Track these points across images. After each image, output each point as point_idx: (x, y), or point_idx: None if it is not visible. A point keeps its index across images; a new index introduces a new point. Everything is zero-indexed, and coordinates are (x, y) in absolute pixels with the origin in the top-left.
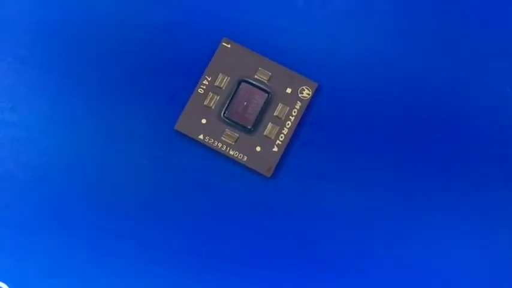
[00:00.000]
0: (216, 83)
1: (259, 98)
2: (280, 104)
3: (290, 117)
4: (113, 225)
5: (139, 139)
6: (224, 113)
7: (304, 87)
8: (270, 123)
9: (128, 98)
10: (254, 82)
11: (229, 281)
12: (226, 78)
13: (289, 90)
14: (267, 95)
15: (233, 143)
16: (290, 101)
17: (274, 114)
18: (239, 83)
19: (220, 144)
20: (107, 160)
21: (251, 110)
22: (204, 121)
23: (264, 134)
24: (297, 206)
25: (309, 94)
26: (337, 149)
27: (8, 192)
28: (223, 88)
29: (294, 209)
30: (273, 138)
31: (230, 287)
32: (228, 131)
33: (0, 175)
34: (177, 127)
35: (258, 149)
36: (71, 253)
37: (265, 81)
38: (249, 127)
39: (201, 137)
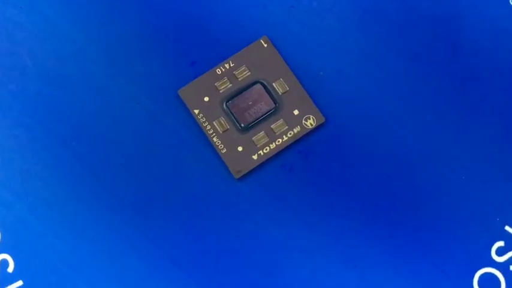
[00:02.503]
0: (236, 72)
1: (265, 105)
2: (281, 120)
3: (284, 136)
4: (83, 156)
5: (141, 86)
6: (227, 102)
7: (311, 116)
8: (262, 131)
9: (150, 48)
10: (269, 88)
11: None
12: (246, 72)
13: (296, 112)
14: (274, 105)
15: (220, 132)
16: (292, 122)
17: (271, 126)
18: (255, 82)
19: (209, 127)
20: (108, 93)
21: (252, 112)
22: (206, 99)
23: (252, 139)
24: (250, 218)
25: (312, 125)
26: (310, 187)
27: (14, 77)
28: (239, 80)
29: (244, 219)
30: (258, 146)
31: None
32: (221, 119)
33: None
34: (180, 91)
35: (240, 149)
36: (45, 170)
37: (280, 93)
38: (242, 125)
39: (196, 111)
